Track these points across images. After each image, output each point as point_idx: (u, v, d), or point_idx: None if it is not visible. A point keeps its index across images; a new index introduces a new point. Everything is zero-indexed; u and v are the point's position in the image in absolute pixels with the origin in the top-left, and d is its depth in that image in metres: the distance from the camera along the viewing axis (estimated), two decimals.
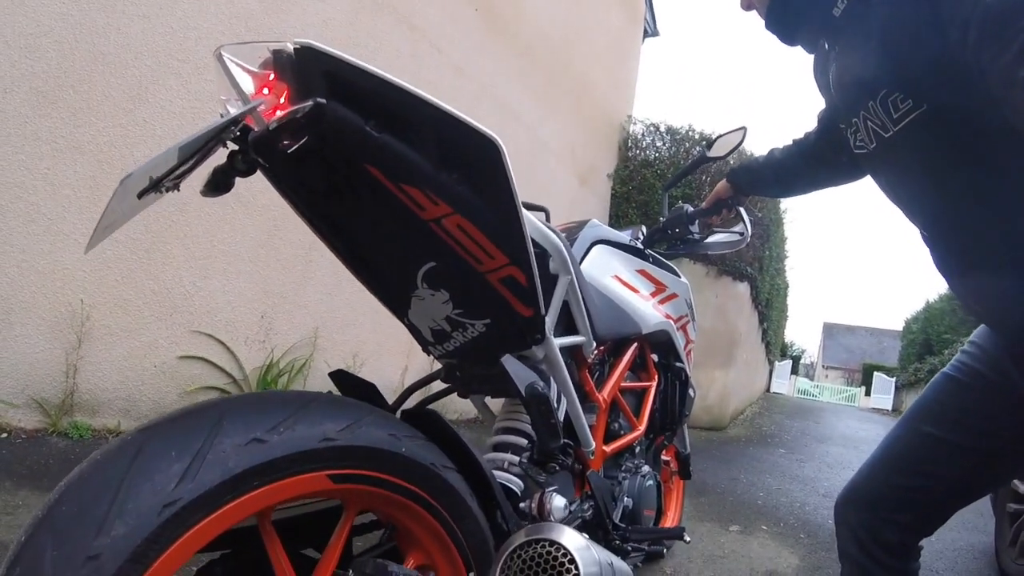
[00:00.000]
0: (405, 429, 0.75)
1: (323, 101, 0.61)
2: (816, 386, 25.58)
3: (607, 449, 1.26)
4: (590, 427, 1.17)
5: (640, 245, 1.57)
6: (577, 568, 0.79)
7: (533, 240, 0.87)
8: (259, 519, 0.65)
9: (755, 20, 0.99)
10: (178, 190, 0.60)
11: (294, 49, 0.62)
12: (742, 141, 1.53)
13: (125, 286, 2.17)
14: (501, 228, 0.78)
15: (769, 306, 7.64)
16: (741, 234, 1.64)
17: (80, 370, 2.07)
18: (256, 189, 2.47)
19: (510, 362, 0.87)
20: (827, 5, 0.86)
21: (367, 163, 0.68)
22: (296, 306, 2.78)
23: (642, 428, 1.41)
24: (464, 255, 0.77)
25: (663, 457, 1.83)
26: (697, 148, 4.61)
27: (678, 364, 1.60)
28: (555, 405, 0.96)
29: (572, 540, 0.82)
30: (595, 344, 1.12)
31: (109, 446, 0.57)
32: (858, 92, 0.84)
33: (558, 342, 0.97)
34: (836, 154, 1.21)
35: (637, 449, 1.47)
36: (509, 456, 1.04)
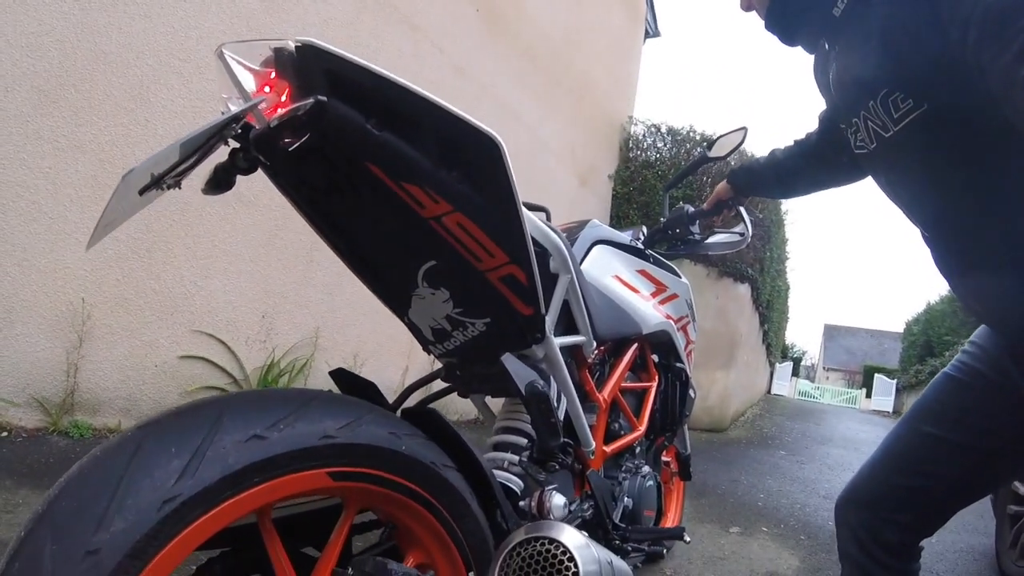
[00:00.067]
0: (405, 427, 0.75)
1: (324, 99, 0.61)
2: (817, 388, 25.51)
3: (607, 449, 1.26)
4: (590, 427, 1.17)
5: (641, 245, 1.57)
6: (576, 566, 0.78)
7: (533, 239, 0.87)
8: (259, 517, 0.65)
9: (755, 20, 0.99)
10: (179, 187, 0.60)
11: (295, 47, 0.62)
12: (742, 141, 1.53)
13: (126, 285, 2.17)
14: (501, 226, 0.78)
15: (770, 307, 7.63)
16: (742, 235, 1.64)
17: (81, 369, 2.07)
18: (258, 189, 2.48)
19: (510, 361, 0.87)
20: (827, 5, 0.86)
21: (368, 161, 0.68)
22: (297, 306, 2.78)
23: (642, 428, 1.41)
24: (464, 253, 0.77)
25: (663, 458, 1.83)
26: (698, 149, 4.62)
27: (678, 365, 1.60)
28: (555, 404, 0.96)
29: (572, 538, 0.82)
30: (595, 344, 1.12)
31: (109, 442, 0.57)
32: (858, 92, 0.84)
33: (558, 341, 0.97)
34: (837, 154, 1.21)
35: (637, 449, 1.47)
36: (509, 455, 1.04)
